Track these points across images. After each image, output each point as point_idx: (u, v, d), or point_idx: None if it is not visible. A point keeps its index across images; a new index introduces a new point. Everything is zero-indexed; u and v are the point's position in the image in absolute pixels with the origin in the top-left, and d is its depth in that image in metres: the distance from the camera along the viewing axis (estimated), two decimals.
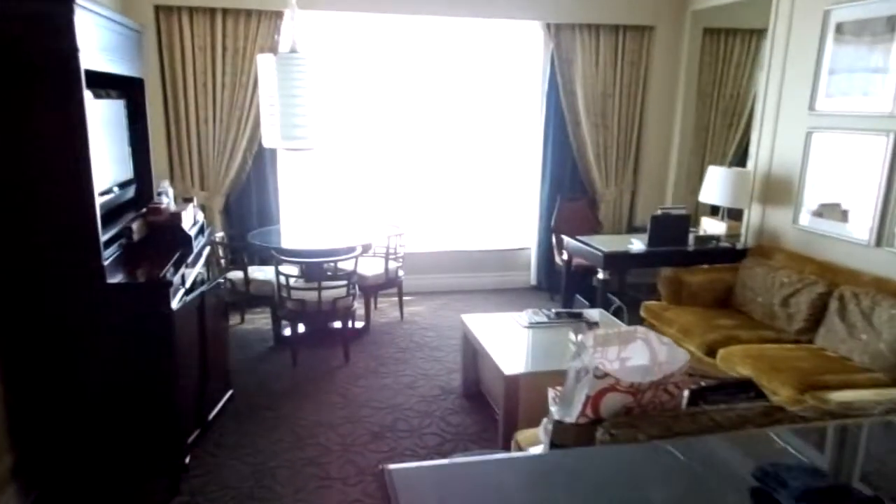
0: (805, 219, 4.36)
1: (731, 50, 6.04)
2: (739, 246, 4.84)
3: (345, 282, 4.44)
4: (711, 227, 5.02)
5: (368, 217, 5.85)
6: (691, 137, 6.02)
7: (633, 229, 6.09)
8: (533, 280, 6.36)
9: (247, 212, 5.49)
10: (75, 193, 2.57)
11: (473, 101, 6.07)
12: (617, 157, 6.07)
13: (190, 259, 3.18)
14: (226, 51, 5.15)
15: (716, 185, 4.81)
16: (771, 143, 4.68)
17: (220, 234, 4.99)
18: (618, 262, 4.73)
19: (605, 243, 4.82)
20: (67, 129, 2.53)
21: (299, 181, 5.88)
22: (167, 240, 3.23)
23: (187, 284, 3.00)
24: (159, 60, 5.10)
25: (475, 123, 6.13)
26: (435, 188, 6.24)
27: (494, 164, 6.27)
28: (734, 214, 5.10)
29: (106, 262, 2.67)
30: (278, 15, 5.18)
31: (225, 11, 5.09)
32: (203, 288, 3.13)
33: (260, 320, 5.31)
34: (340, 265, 4.61)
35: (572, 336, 3.61)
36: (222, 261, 4.90)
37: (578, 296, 5.13)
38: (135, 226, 3.09)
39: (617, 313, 4.81)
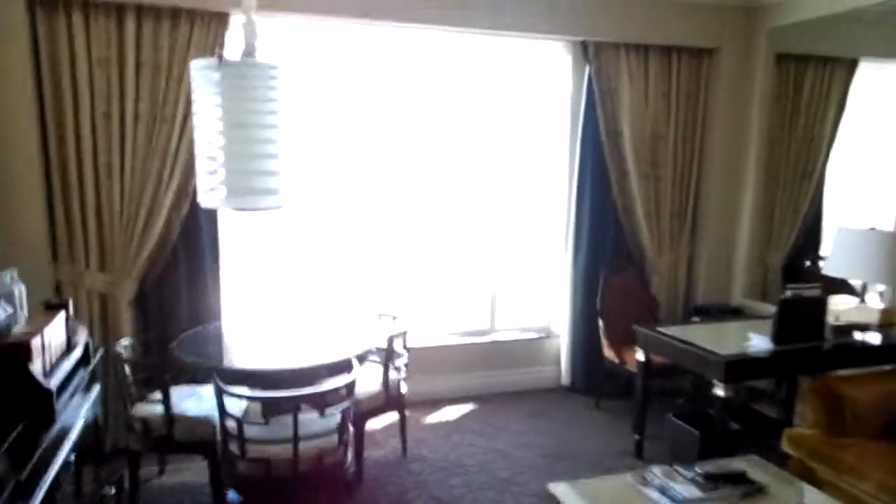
0: None
1: (802, 82, 4.83)
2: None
3: (336, 422, 2.71)
4: (847, 311, 3.61)
5: (349, 303, 4.17)
6: (763, 189, 4.71)
7: (696, 311, 4.63)
8: (565, 379, 4.76)
9: (172, 303, 3.69)
10: None
11: (482, 147, 4.56)
12: (671, 216, 4.67)
13: (45, 446, 1.45)
14: (141, 67, 3.47)
15: (853, 253, 3.43)
16: None
17: (125, 343, 3.17)
18: (740, 370, 3.19)
19: (707, 338, 3.34)
20: None
21: (250, 253, 4.15)
22: None
23: None
24: (35, 80, 3.36)
25: (484, 175, 4.61)
26: (432, 260, 4.63)
27: (510, 227, 4.74)
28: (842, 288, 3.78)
29: None
30: (220, 18, 3.57)
31: (140, 9, 3.43)
32: None
33: (189, 468, 3.48)
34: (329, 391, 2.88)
35: None
36: (131, 388, 3.07)
37: (674, 417, 3.57)
38: None
39: (732, 442, 3.30)
